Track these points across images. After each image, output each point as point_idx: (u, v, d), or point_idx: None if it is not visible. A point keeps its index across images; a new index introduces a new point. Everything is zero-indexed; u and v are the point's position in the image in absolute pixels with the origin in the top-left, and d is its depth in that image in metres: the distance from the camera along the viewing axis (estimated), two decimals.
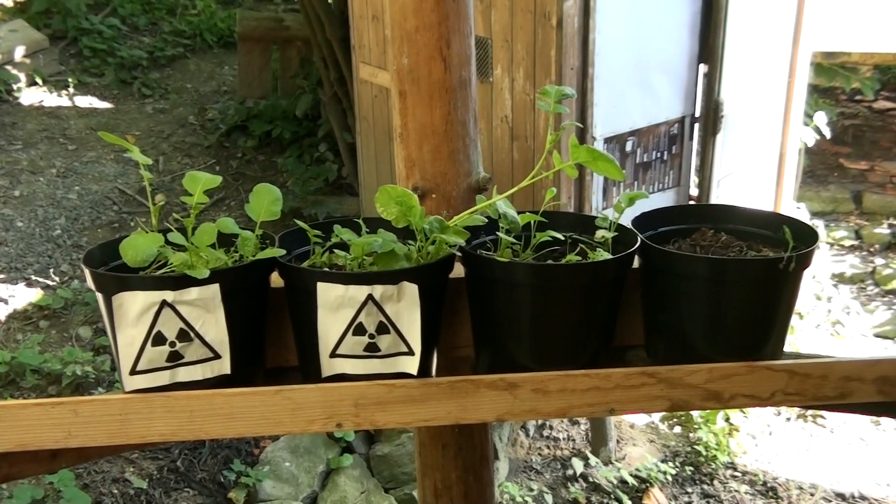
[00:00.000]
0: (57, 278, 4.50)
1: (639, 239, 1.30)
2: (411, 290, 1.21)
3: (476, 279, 1.31)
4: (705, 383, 1.26)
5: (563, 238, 1.36)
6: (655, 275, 1.32)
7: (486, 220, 1.34)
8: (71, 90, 6.69)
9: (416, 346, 1.24)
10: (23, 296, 4.30)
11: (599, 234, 1.35)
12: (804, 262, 1.25)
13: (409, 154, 1.48)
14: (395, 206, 1.26)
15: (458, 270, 1.33)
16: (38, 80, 6.61)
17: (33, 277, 4.47)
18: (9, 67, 6.49)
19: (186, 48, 7.67)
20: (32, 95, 6.51)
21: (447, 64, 1.42)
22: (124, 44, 7.36)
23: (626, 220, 1.38)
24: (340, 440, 3.44)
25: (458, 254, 1.31)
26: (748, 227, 1.41)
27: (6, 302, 4.22)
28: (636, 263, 1.33)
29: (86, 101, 6.64)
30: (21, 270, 4.53)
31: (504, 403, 1.25)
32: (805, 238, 1.31)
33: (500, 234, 1.32)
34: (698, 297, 1.28)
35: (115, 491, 3.05)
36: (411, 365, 1.25)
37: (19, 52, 6.60)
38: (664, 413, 4.03)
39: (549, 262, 1.31)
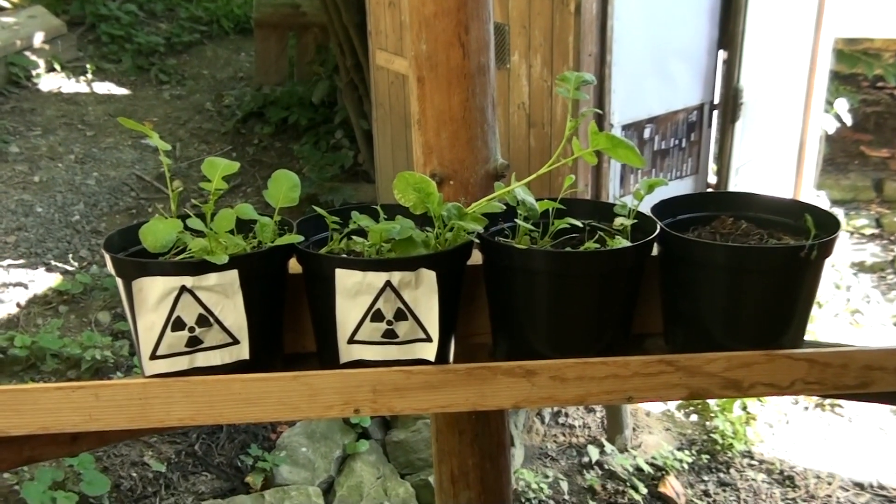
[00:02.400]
0: (76, 263, 4.53)
1: (658, 227, 1.30)
2: (429, 276, 1.21)
3: (494, 266, 1.31)
4: (724, 372, 1.25)
5: (581, 225, 1.35)
6: (674, 263, 1.31)
7: (505, 207, 1.34)
8: (89, 76, 6.72)
9: (434, 332, 1.25)
10: (42, 281, 4.34)
11: (618, 221, 1.34)
12: (826, 250, 1.24)
13: (426, 140, 1.48)
14: (413, 192, 1.26)
15: (476, 257, 1.33)
16: (57, 67, 6.64)
17: (52, 262, 4.51)
18: (28, 53, 6.52)
19: (203, 34, 7.68)
20: (51, 81, 6.54)
21: (465, 50, 1.41)
22: (142, 30, 7.38)
23: (646, 207, 1.37)
24: (356, 426, 3.46)
25: (476, 241, 1.31)
26: (769, 215, 1.40)
27: (26, 287, 4.26)
28: (655, 251, 1.32)
29: (104, 88, 6.67)
30: (41, 255, 4.56)
31: (521, 390, 1.25)
32: (826, 226, 1.30)
33: (519, 222, 1.32)
34: (718, 286, 1.27)
35: (134, 474, 3.09)
36: (429, 351, 1.25)
37: (38, 39, 6.63)
38: (680, 401, 4.01)
39: (568, 249, 1.31)
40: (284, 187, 1.29)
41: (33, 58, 6.54)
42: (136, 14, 7.56)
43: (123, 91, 6.70)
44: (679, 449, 3.78)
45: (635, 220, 1.34)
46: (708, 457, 3.75)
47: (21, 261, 4.48)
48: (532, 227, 1.33)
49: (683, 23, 3.48)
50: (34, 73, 6.48)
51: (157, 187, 5.44)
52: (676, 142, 3.64)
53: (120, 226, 4.89)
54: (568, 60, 3.22)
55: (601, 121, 3.30)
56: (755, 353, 1.25)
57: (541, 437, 3.86)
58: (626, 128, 3.41)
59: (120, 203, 5.23)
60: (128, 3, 7.66)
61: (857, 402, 1.81)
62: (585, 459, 3.69)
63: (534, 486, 3.46)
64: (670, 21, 3.42)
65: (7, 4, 7.25)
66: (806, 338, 1.33)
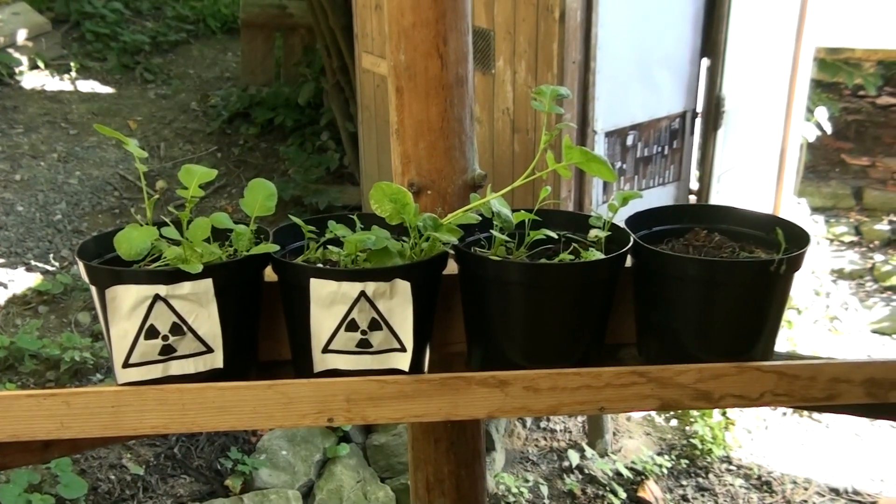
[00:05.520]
0: (57, 263, 4.51)
1: (631, 239, 1.31)
2: (404, 287, 1.22)
3: (469, 277, 1.32)
4: (695, 383, 1.27)
5: (556, 237, 1.36)
6: (648, 274, 1.32)
7: (480, 218, 1.34)
8: (73, 74, 6.68)
9: (409, 342, 1.25)
10: (22, 280, 4.31)
11: (593, 233, 1.36)
12: (795, 264, 1.25)
13: (405, 150, 1.49)
14: (389, 203, 1.27)
15: (452, 267, 1.33)
16: (41, 64, 6.60)
17: (33, 262, 4.48)
18: (11, 51, 6.48)
19: (189, 33, 7.66)
20: (34, 79, 6.50)
21: (444, 61, 1.42)
22: (127, 28, 7.35)
23: (623, 217, 1.38)
24: (337, 430, 3.46)
25: (452, 251, 1.31)
26: (742, 228, 1.42)
27: (5, 286, 4.24)
28: (629, 263, 1.34)
29: (88, 86, 6.63)
30: (21, 255, 4.54)
31: (495, 400, 1.26)
32: (797, 240, 1.32)
33: (494, 233, 1.33)
34: (689, 298, 1.28)
35: (112, 477, 3.07)
36: (403, 361, 1.26)
37: (21, 36, 6.59)
38: None
39: (542, 261, 1.31)
40: (261, 196, 1.29)
41: (16, 55, 6.50)
42: (122, 12, 7.52)
43: (108, 90, 6.66)
44: (659, 454, 3.80)
45: (609, 233, 1.36)
46: (687, 462, 3.77)
47: (1, 260, 4.45)
48: (508, 238, 1.34)
49: (667, 31, 3.50)
50: (17, 70, 6.44)
51: (140, 187, 5.42)
52: (659, 149, 3.66)
53: (102, 226, 4.87)
54: (552, 67, 3.23)
55: (584, 128, 3.32)
56: (725, 365, 1.26)
57: (522, 441, 3.87)
58: (609, 134, 3.43)
59: (103, 203, 5.21)
60: (113, 1, 7.62)
61: (826, 413, 1.83)
62: (566, 464, 3.71)
63: (514, 490, 3.47)
64: (654, 29, 3.44)
65: None
66: (786, 345, 1.35)
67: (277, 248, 1.27)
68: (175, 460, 3.19)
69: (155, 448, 3.23)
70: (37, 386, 3.47)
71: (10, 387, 3.39)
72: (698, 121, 3.74)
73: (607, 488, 3.58)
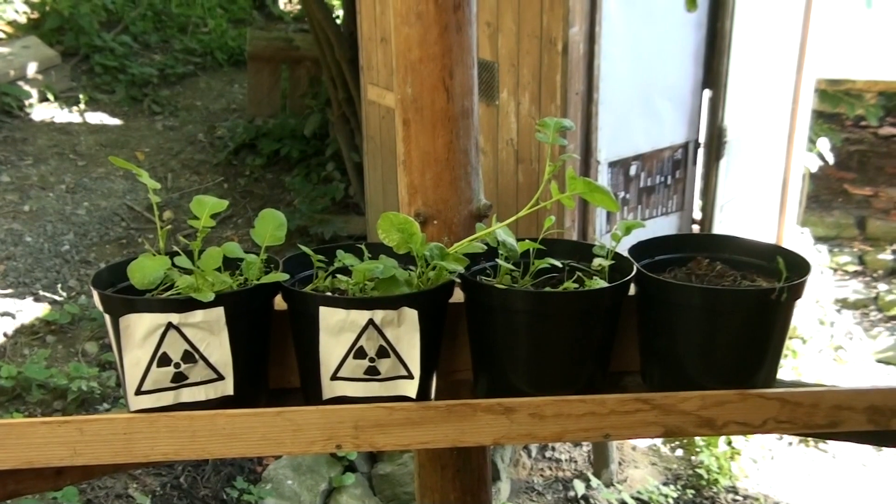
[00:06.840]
0: (64, 293, 4.54)
1: (635, 267, 1.33)
2: (411, 315, 1.24)
3: (475, 305, 1.34)
4: (698, 410, 1.28)
5: (561, 265, 1.39)
6: (651, 303, 1.34)
7: (486, 248, 1.37)
8: (82, 106, 6.76)
9: (416, 369, 1.27)
10: (30, 310, 4.34)
11: (596, 262, 1.38)
12: (796, 292, 1.27)
13: (411, 181, 1.52)
14: (396, 232, 1.29)
15: (459, 295, 1.36)
16: (50, 97, 6.69)
17: (41, 292, 4.51)
18: (21, 83, 6.57)
19: (197, 66, 7.75)
20: (44, 111, 6.58)
21: (450, 94, 1.45)
22: (135, 61, 7.45)
23: (626, 246, 1.41)
24: (343, 459, 3.46)
25: (458, 280, 1.34)
26: (744, 257, 1.44)
27: (13, 316, 4.26)
28: (632, 291, 1.36)
29: (96, 118, 6.71)
30: (29, 285, 4.57)
31: (501, 427, 1.28)
32: (798, 269, 1.34)
33: (500, 262, 1.35)
34: (692, 326, 1.30)
35: None
36: (410, 388, 1.28)
37: (32, 69, 6.68)
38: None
39: (547, 289, 1.34)
40: (271, 226, 1.32)
41: (26, 88, 6.58)
42: (130, 45, 7.63)
43: (116, 121, 6.74)
44: (665, 484, 3.79)
45: (613, 261, 1.38)
46: (693, 492, 3.76)
47: (9, 290, 4.48)
48: (513, 267, 1.36)
49: (669, 62, 3.55)
50: (27, 102, 6.52)
51: (147, 218, 5.46)
52: (662, 179, 3.69)
53: (109, 256, 4.91)
54: (556, 98, 3.27)
55: (588, 158, 3.36)
56: (728, 392, 1.28)
57: (527, 470, 3.86)
58: (612, 165, 3.46)
59: (110, 233, 5.25)
60: (122, 34, 7.73)
61: (828, 440, 1.84)
62: (571, 494, 3.69)
63: None
64: (656, 61, 3.49)
65: (1, 35, 7.31)
66: (791, 374, 1.37)
67: (287, 277, 1.29)
68: (181, 490, 3.19)
69: (161, 477, 3.24)
70: (44, 415, 3.49)
71: (17, 416, 3.40)
72: (701, 151, 3.77)
73: None
